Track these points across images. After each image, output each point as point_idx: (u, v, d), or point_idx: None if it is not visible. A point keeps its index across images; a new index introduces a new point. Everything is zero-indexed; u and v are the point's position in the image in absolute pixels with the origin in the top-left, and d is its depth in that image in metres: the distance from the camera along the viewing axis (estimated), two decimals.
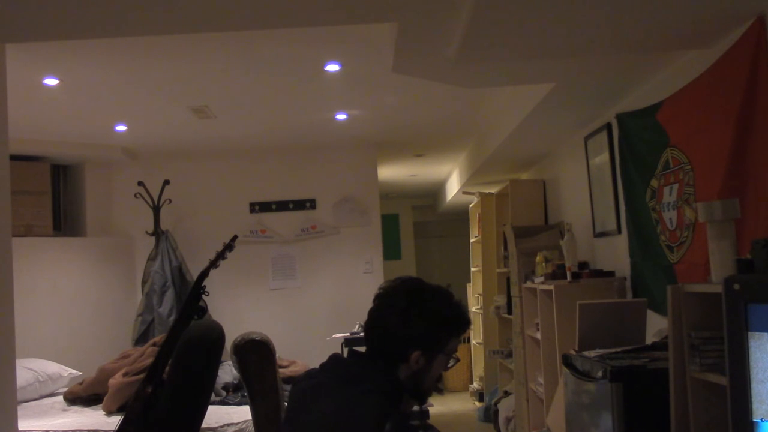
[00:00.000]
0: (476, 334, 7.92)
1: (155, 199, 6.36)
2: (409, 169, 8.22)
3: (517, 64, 3.44)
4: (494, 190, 6.98)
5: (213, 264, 3.69)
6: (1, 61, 3.27)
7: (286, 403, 3.83)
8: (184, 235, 6.48)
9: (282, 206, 6.76)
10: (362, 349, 1.88)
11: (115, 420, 3.77)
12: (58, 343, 5.85)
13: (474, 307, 7.87)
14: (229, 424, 4.22)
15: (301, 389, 1.84)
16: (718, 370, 2.28)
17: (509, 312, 5.96)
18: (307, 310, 6.68)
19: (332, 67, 4.23)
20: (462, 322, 1.84)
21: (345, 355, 1.93)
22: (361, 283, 6.61)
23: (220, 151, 6.60)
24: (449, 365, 1.84)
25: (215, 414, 4.29)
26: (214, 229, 6.36)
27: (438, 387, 1.87)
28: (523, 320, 5.13)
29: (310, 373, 1.88)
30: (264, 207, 6.76)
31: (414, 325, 1.77)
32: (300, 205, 6.77)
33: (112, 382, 4.59)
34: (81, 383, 5.00)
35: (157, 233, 6.31)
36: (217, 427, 4.16)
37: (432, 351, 1.79)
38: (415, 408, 1.86)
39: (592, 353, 3.11)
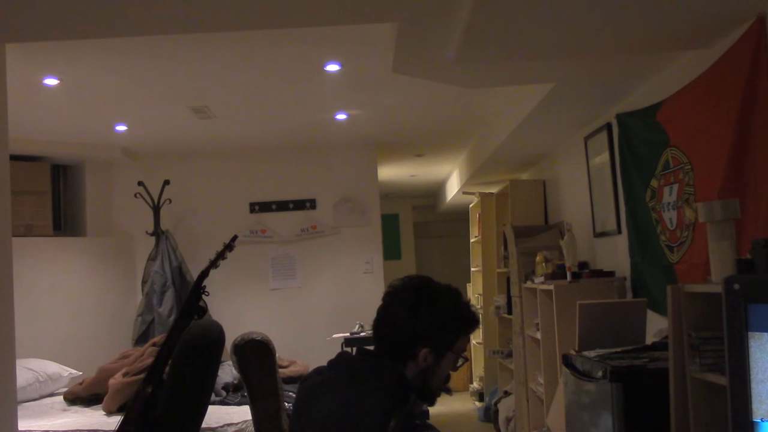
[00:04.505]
0: (476, 334, 7.91)
1: (155, 199, 6.36)
2: (409, 169, 8.22)
3: (517, 64, 3.44)
4: (494, 190, 6.97)
5: (213, 264, 3.69)
6: (1, 61, 3.27)
7: (286, 403, 3.84)
8: (184, 235, 6.48)
9: (282, 206, 6.76)
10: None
11: (115, 420, 3.77)
12: (58, 343, 5.84)
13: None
14: (229, 424, 4.22)
15: (308, 386, 1.85)
16: (718, 370, 2.28)
17: (509, 312, 5.96)
18: (307, 310, 6.68)
19: (332, 67, 4.22)
20: (470, 320, 1.84)
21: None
22: (361, 283, 6.61)
23: (220, 151, 6.60)
24: (458, 364, 1.84)
25: (215, 414, 4.29)
26: (214, 229, 6.35)
27: (447, 387, 1.86)
28: (523, 320, 5.13)
29: (318, 370, 1.88)
30: (264, 207, 6.76)
31: (421, 322, 1.77)
32: (300, 205, 6.77)
33: (112, 382, 4.59)
34: (81, 383, 4.99)
35: (157, 233, 6.31)
36: (217, 427, 4.16)
37: (440, 349, 1.79)
38: None
39: (592, 353, 3.11)
